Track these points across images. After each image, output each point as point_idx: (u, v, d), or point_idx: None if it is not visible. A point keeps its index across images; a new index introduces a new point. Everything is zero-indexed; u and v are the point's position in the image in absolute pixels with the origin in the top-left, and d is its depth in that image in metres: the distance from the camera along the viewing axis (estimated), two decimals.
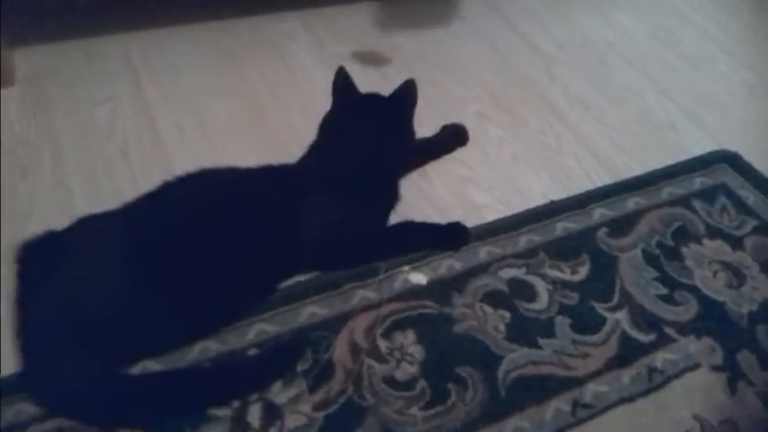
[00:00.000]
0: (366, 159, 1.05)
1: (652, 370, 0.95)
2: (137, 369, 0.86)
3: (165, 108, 1.26)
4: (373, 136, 1.06)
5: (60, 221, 0.96)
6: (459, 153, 1.27)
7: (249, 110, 1.29)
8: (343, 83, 1.08)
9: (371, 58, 1.44)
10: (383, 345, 0.93)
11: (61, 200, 1.07)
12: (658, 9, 1.79)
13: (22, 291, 0.88)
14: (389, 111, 1.08)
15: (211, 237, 0.90)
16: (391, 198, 1.10)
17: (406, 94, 1.08)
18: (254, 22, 1.50)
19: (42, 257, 0.90)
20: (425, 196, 1.17)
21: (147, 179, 1.10)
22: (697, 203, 1.21)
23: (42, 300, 0.84)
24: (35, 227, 1.00)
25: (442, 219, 1.13)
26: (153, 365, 0.87)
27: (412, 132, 1.13)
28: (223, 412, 0.84)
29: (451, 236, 1.08)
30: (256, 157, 1.06)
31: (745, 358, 0.99)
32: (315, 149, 1.09)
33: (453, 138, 1.28)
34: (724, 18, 1.78)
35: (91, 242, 0.90)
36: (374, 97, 1.09)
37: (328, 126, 1.09)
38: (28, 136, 1.17)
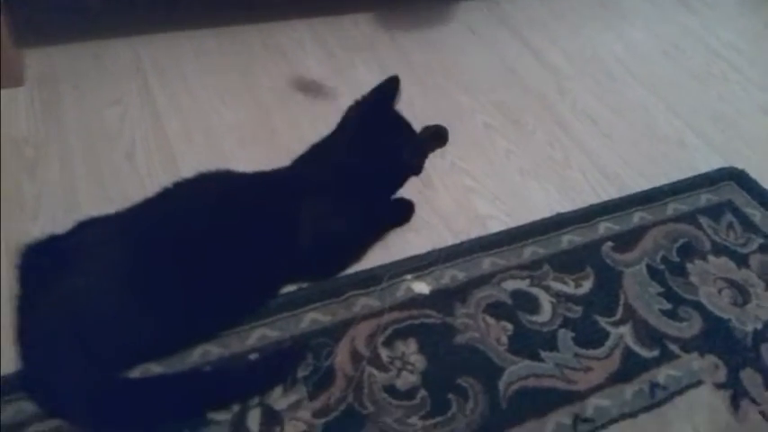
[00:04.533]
0: (363, 172, 1.05)
1: (654, 386, 0.95)
2: (136, 372, 0.86)
3: (173, 112, 1.27)
4: (375, 152, 1.06)
5: (65, 222, 0.96)
6: (466, 163, 1.27)
7: (256, 116, 1.29)
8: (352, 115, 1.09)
9: (380, 67, 1.45)
10: (384, 353, 0.93)
11: (67, 201, 1.08)
12: (669, 27, 1.79)
13: (23, 293, 0.88)
14: (399, 132, 1.08)
15: (211, 240, 0.90)
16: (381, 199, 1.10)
17: (386, 88, 1.08)
18: (263, 29, 1.50)
19: (44, 260, 0.90)
20: (430, 205, 1.17)
21: (153, 182, 1.11)
22: (703, 220, 1.21)
23: (43, 302, 0.84)
24: (40, 227, 1.01)
25: (446, 228, 1.13)
26: (153, 368, 0.87)
27: (403, 123, 1.12)
28: (222, 416, 0.84)
29: (402, 211, 1.13)
30: (262, 164, 1.07)
31: (749, 377, 0.98)
32: (311, 152, 1.09)
33: (434, 138, 1.27)
34: (735, 38, 1.78)
35: (91, 246, 0.90)
36: (394, 116, 1.10)
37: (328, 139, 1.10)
38: (36, 136, 1.17)
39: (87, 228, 0.95)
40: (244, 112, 1.30)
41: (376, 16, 1.59)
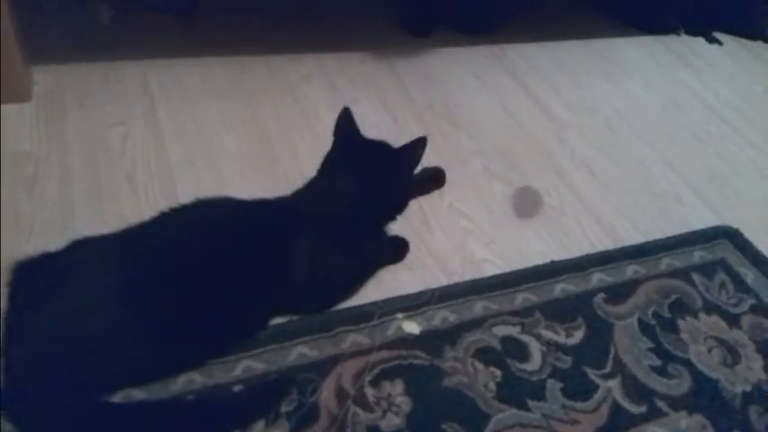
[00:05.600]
0: (357, 204, 1.05)
1: None
2: (118, 396, 0.85)
3: (176, 136, 1.28)
4: (369, 183, 1.06)
5: (59, 241, 0.96)
6: (464, 205, 1.27)
7: (259, 145, 1.30)
8: (346, 123, 1.08)
9: (383, 105, 1.47)
10: (370, 393, 0.92)
11: (63, 219, 1.07)
12: (669, 82, 1.83)
13: (11, 310, 0.87)
14: (393, 162, 1.07)
15: (202, 268, 0.90)
16: (376, 238, 1.10)
17: (414, 151, 1.07)
18: (272, 61, 1.53)
19: (34, 278, 0.89)
20: (425, 245, 1.17)
21: (151, 204, 1.11)
22: (696, 277, 1.21)
23: (30, 320, 0.83)
24: (34, 244, 1.00)
25: (440, 269, 1.13)
26: (136, 394, 0.85)
27: (409, 186, 1.13)
28: None
29: (397, 249, 1.14)
30: (261, 192, 1.07)
31: None
32: (310, 186, 1.09)
33: (432, 179, 1.29)
34: (734, 98, 1.82)
35: (82, 266, 0.89)
36: (380, 145, 1.09)
37: (327, 164, 1.09)
38: (38, 152, 1.18)
39: (80, 247, 0.94)
40: (246, 141, 1.31)
41: (383, 56, 1.62)
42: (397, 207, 1.13)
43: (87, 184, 1.14)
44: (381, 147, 1.09)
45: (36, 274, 0.90)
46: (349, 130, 1.08)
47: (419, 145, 1.07)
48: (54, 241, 0.97)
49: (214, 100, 1.39)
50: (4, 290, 0.89)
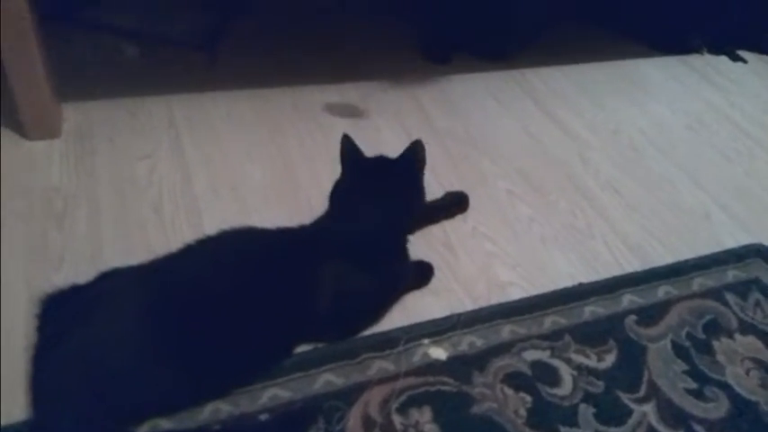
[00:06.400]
0: (377, 222, 1.05)
1: None
2: (145, 427, 0.85)
3: (201, 168, 1.30)
4: (382, 199, 1.06)
5: (88, 273, 0.97)
6: (488, 229, 1.26)
7: (284, 175, 1.32)
8: (349, 150, 1.08)
9: (404, 131, 1.48)
10: (398, 420, 0.91)
11: (92, 251, 1.09)
12: (693, 102, 1.81)
13: (40, 342, 0.88)
14: (399, 171, 1.08)
15: (227, 297, 0.90)
16: (400, 261, 1.10)
17: (414, 155, 1.08)
18: (296, 91, 1.55)
19: (62, 310, 0.90)
20: (451, 269, 1.17)
21: (177, 236, 1.12)
22: (729, 297, 1.18)
23: (57, 352, 0.84)
24: (63, 277, 1.02)
25: (465, 293, 1.12)
26: (163, 423, 0.85)
27: (422, 193, 1.13)
28: None
29: (422, 274, 1.14)
30: (286, 221, 1.07)
31: None
32: (330, 213, 1.09)
33: (455, 204, 1.29)
34: (761, 114, 1.79)
35: (110, 298, 0.90)
36: (382, 160, 1.09)
37: (339, 193, 1.09)
38: (68, 186, 1.21)
39: (108, 279, 0.96)
40: (271, 170, 1.32)
41: (404, 84, 1.63)
42: (416, 214, 1.13)
43: (115, 217, 1.16)
44: (384, 161, 1.09)
45: (64, 306, 0.92)
46: (354, 155, 1.09)
47: (417, 147, 1.07)
48: (83, 273, 0.98)
49: (238, 131, 1.41)
50: (34, 322, 0.91)
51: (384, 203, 1.05)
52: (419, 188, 1.11)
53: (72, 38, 1.58)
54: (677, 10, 1.91)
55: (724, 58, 2.05)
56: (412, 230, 1.13)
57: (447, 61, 1.76)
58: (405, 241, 1.11)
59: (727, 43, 2.07)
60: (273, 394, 0.91)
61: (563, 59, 1.86)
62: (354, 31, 1.83)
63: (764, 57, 2.09)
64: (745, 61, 2.05)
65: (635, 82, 1.85)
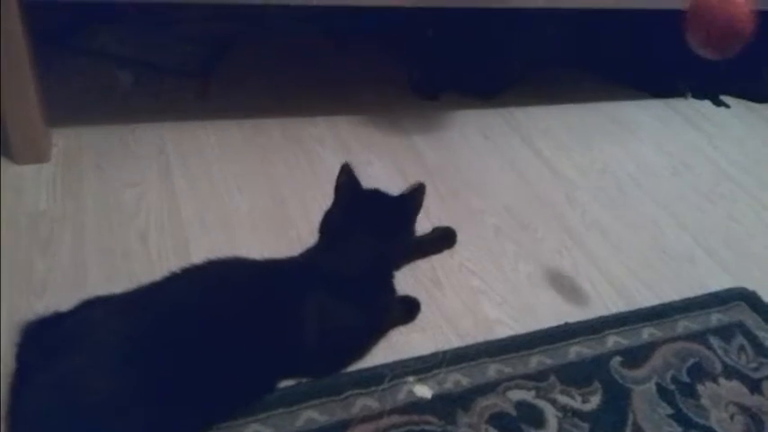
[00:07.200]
0: (363, 259, 1.05)
1: None
2: None
3: (190, 197, 1.29)
4: (374, 235, 1.05)
5: (71, 300, 0.96)
6: (475, 265, 1.27)
7: (271, 206, 1.31)
8: (347, 180, 1.08)
9: (394, 165, 1.49)
10: None
11: (76, 278, 1.08)
12: (679, 145, 1.84)
13: (19, 371, 0.86)
14: (394, 210, 1.08)
15: (210, 329, 0.89)
16: (386, 296, 1.09)
17: (413, 198, 1.08)
18: (286, 123, 1.56)
19: (43, 339, 0.89)
20: (437, 305, 1.16)
21: (163, 265, 1.11)
22: (714, 340, 1.18)
23: (36, 382, 0.82)
24: (45, 304, 1.00)
25: (452, 330, 1.12)
26: None
27: (412, 236, 1.13)
28: None
29: (408, 309, 1.13)
30: (273, 252, 1.07)
31: None
32: (318, 245, 1.09)
33: (443, 239, 1.29)
34: (744, 160, 1.82)
35: (91, 327, 0.89)
36: (379, 195, 1.09)
37: (330, 223, 1.09)
38: (54, 212, 1.19)
39: (90, 307, 0.94)
40: (259, 201, 1.32)
41: (394, 119, 1.65)
42: (403, 255, 1.13)
43: (101, 244, 1.15)
44: (382, 197, 1.09)
45: (46, 334, 0.90)
46: (351, 186, 1.08)
47: (419, 190, 1.07)
48: (66, 301, 0.97)
49: (228, 160, 1.41)
50: (14, 350, 0.89)
51: (374, 240, 1.05)
52: (411, 231, 1.11)
53: (65, 63, 1.59)
54: (663, 55, 1.96)
55: (707, 103, 2.09)
56: (397, 268, 1.13)
57: (435, 98, 1.79)
58: (391, 276, 1.11)
59: (711, 88, 2.12)
60: (255, 431, 0.89)
61: (551, 99, 1.90)
62: (346, 65, 1.86)
63: (746, 102, 2.14)
64: (727, 106, 2.09)
65: (621, 123, 1.89)
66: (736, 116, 2.06)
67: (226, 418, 0.90)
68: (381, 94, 1.76)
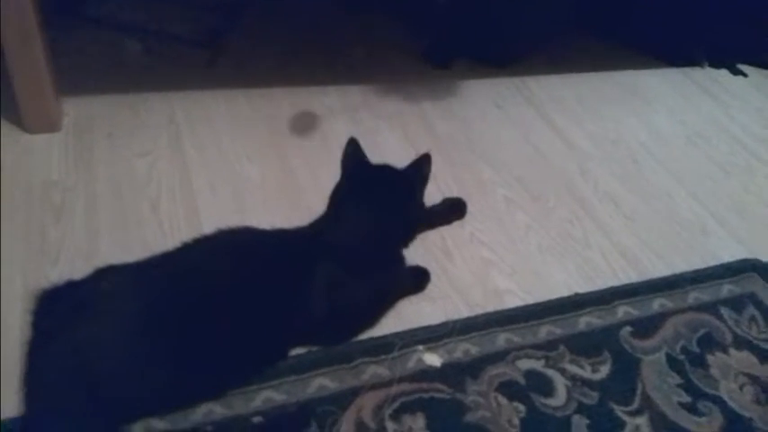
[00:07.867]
0: (373, 231, 1.05)
1: None
2: (138, 426, 0.85)
3: (201, 166, 1.29)
4: (380, 209, 1.06)
5: (84, 269, 0.97)
6: (485, 236, 1.27)
7: (282, 176, 1.31)
8: (354, 153, 1.09)
9: (404, 135, 1.48)
10: (391, 427, 0.90)
11: (89, 247, 1.09)
12: (694, 115, 1.81)
13: (34, 338, 0.88)
14: (401, 183, 1.08)
15: (222, 298, 0.90)
16: (395, 268, 1.10)
17: (420, 169, 1.09)
18: (296, 92, 1.55)
19: (57, 307, 0.90)
20: (447, 276, 1.16)
21: (174, 234, 1.12)
22: (724, 311, 1.18)
23: (52, 348, 0.84)
24: (59, 272, 1.01)
25: (461, 300, 1.12)
26: (155, 423, 0.85)
27: (420, 208, 1.13)
28: None
29: (418, 279, 1.13)
30: (284, 221, 1.07)
31: None
32: (327, 216, 1.09)
33: (453, 210, 1.29)
34: (760, 129, 1.79)
35: (105, 295, 0.90)
36: (386, 168, 1.10)
37: (339, 197, 1.09)
38: (66, 181, 1.20)
39: (104, 276, 0.95)
40: (269, 171, 1.32)
41: (405, 88, 1.63)
42: (413, 227, 1.13)
43: (113, 213, 1.16)
44: (389, 170, 1.09)
45: (60, 302, 0.91)
46: (357, 160, 1.09)
47: (425, 161, 1.08)
48: (79, 269, 0.98)
49: (238, 131, 1.40)
50: (29, 318, 0.90)
51: (381, 214, 1.05)
52: (418, 203, 1.11)
53: (75, 32, 1.58)
54: (680, 22, 1.92)
55: (724, 72, 2.05)
56: (408, 242, 1.13)
57: (448, 66, 1.76)
58: (400, 247, 1.11)
59: (728, 57, 2.08)
60: (267, 397, 0.91)
61: (564, 68, 1.87)
62: (356, 33, 1.83)
63: (764, 71, 2.10)
64: (745, 75, 2.05)
65: (636, 92, 1.86)
66: (754, 85, 2.02)
67: (238, 384, 0.92)
68: (392, 62, 1.74)
